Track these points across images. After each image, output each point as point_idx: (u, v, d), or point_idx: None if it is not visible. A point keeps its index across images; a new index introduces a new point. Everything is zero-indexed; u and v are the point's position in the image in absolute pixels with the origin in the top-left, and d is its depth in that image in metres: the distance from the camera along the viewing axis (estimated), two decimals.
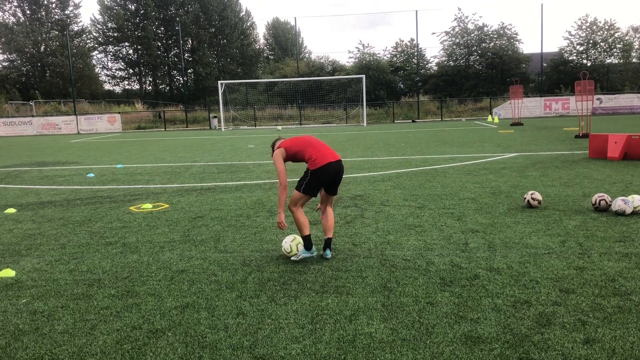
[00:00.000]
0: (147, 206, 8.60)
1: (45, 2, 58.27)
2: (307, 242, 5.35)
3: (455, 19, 51.44)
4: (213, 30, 63.29)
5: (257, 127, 39.43)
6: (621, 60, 49.82)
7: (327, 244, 5.51)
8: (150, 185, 11.18)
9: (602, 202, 7.10)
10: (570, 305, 4.08)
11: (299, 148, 5.39)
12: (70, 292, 4.78)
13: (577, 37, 49.85)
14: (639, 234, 5.99)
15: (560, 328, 3.70)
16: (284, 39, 71.46)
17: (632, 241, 5.72)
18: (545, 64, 47.02)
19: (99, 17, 61.37)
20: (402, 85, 51.57)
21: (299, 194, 5.34)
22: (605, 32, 49.00)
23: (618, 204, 6.86)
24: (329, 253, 5.48)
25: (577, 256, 5.28)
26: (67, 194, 10.32)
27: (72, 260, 5.80)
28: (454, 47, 51.25)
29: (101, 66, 64.15)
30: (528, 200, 7.56)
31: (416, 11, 46.07)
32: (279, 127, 37.01)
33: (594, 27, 49.14)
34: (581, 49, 49.89)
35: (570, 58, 49.98)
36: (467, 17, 50.99)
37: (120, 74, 64.67)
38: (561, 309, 4.03)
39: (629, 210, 6.79)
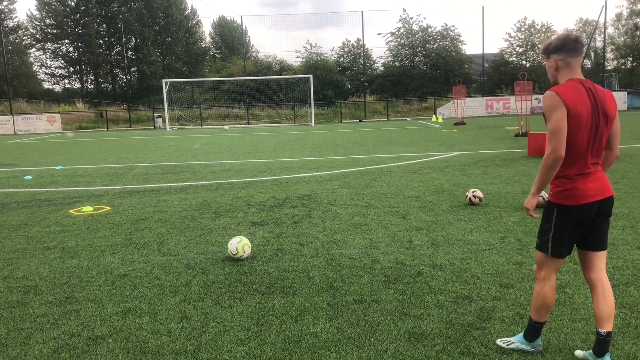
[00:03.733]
0: (88, 209, 8.33)
1: None
2: (533, 331, 3.36)
3: (400, 20, 52.32)
4: (157, 28, 61.87)
5: (203, 127, 38.84)
6: None
7: (604, 342, 3.14)
8: (91, 187, 10.84)
9: (540, 199, 7.35)
10: (509, 300, 4.21)
11: None
12: (3, 300, 4.58)
13: (517, 38, 51.57)
14: None
15: (500, 322, 3.82)
16: (231, 37, 70.67)
17: None
18: (486, 65, 48.39)
19: (36, 12, 58.90)
20: (349, 85, 51.93)
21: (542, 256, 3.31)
22: (543, 35, 50.91)
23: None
24: (608, 359, 3.15)
25: (516, 252, 5.46)
26: (1, 197, 9.87)
27: (6, 266, 5.55)
28: (399, 47, 52.01)
29: (39, 64, 61.64)
30: (470, 198, 7.76)
31: (362, 12, 46.69)
32: (226, 127, 36.60)
33: (532, 30, 51.01)
34: (520, 50, 51.62)
35: (511, 59, 51.62)
36: (412, 19, 51.84)
37: (60, 72, 62.16)
38: (501, 303, 4.15)
39: None
